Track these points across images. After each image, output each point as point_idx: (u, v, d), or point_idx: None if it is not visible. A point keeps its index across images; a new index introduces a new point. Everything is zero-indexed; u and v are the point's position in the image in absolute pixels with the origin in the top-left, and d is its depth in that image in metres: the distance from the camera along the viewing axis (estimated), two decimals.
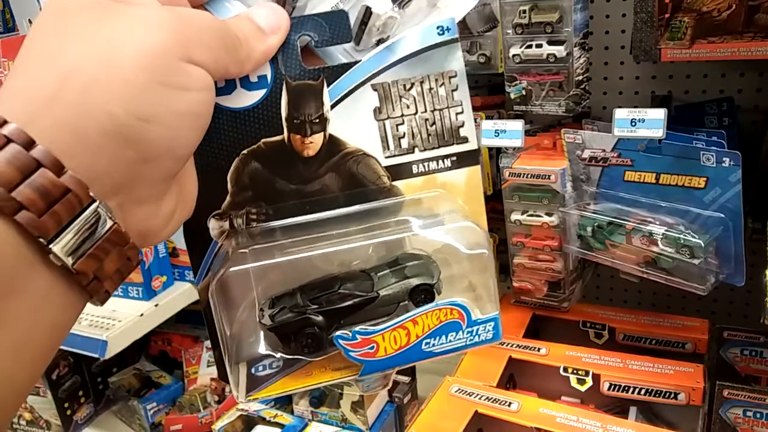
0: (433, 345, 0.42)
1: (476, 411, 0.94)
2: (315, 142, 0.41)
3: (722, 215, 0.74)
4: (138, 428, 1.40)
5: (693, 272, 0.76)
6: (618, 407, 0.98)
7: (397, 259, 0.44)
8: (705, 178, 0.75)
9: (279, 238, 0.42)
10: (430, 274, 0.44)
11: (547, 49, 0.82)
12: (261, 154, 0.41)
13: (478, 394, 0.97)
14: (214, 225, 0.42)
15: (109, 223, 0.31)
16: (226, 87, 0.39)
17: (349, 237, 0.42)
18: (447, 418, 0.93)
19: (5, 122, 0.28)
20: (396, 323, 0.41)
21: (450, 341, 0.43)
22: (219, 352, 0.42)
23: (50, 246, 0.28)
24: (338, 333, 0.41)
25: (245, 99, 0.40)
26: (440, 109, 0.43)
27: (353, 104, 0.41)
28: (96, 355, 1.12)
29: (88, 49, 0.30)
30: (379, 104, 0.42)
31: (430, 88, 0.42)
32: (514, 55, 0.87)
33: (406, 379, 1.25)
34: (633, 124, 0.72)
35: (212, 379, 1.36)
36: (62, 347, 1.18)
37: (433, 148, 0.43)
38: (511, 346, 1.07)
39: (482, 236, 0.43)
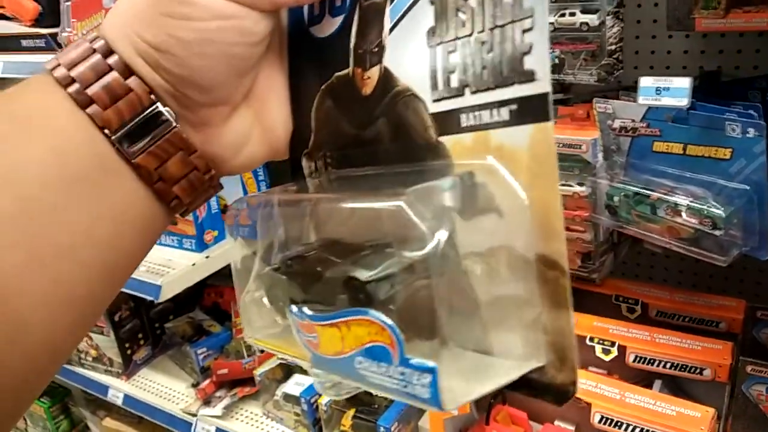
0: (366, 368, 0.29)
1: None
2: (372, 78, 0.34)
3: (747, 187, 0.73)
4: (189, 371, 1.51)
5: (715, 243, 0.76)
6: (643, 380, 0.99)
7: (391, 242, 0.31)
8: (730, 149, 0.74)
9: (331, 189, 0.37)
10: (373, 267, 0.31)
11: (580, 18, 0.83)
12: (333, 91, 0.36)
13: None
14: (305, 164, 0.39)
15: (169, 122, 0.33)
16: (318, 15, 0.36)
17: (352, 201, 0.33)
18: None
19: (97, 37, 0.33)
20: (331, 318, 0.31)
21: (381, 374, 0.28)
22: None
23: (113, 138, 0.32)
24: (292, 306, 0.33)
25: (330, 26, 0.35)
26: (501, 26, 0.29)
27: (409, 25, 0.32)
28: (151, 298, 1.22)
29: None
30: (434, 23, 0.31)
31: None
32: None
33: None
34: (658, 92, 0.72)
35: None
36: (123, 290, 1.29)
37: (488, 89, 0.29)
38: None
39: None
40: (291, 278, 0.35)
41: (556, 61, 0.87)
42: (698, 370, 0.93)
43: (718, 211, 0.74)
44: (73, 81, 0.32)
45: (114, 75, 0.32)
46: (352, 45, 0.34)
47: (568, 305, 0.28)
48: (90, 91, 0.32)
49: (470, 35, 0.30)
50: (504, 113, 0.29)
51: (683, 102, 0.71)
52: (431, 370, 0.27)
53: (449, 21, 0.30)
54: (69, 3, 1.29)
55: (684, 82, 0.70)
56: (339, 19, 0.35)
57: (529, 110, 0.28)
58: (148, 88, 0.33)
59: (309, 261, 0.35)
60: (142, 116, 0.33)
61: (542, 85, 0.27)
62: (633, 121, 0.83)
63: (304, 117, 0.37)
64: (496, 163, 0.29)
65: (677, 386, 0.98)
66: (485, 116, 0.29)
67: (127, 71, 0.33)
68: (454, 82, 0.31)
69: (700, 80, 1.04)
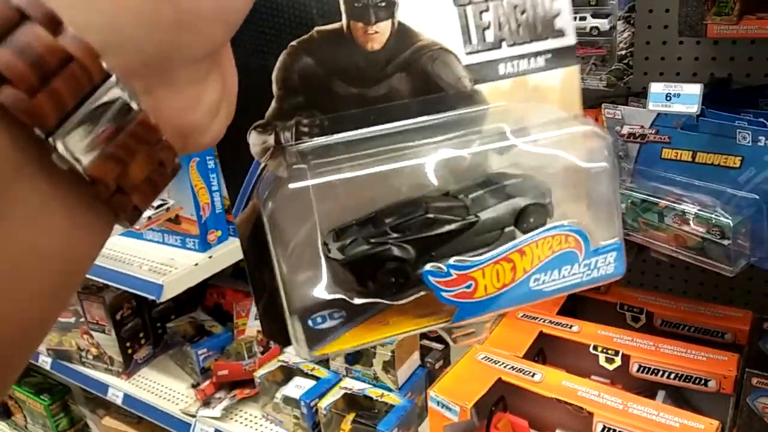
0: (544, 282, 0.34)
1: (500, 378, 0.96)
2: (380, 32, 0.33)
3: (756, 196, 0.72)
4: (189, 371, 1.50)
5: (723, 253, 0.75)
6: (647, 390, 0.98)
7: (489, 178, 0.36)
8: (740, 158, 0.73)
9: (336, 156, 0.34)
10: (540, 193, 0.35)
11: (591, 22, 0.82)
12: (314, 48, 0.33)
13: (503, 363, 0.99)
14: (255, 139, 0.33)
15: (133, 110, 0.22)
16: None
17: (427, 153, 0.34)
18: (470, 382, 0.96)
19: None
20: (499, 254, 0.33)
21: (564, 277, 0.35)
22: (263, 304, 0.35)
23: (50, 140, 0.20)
24: (427, 268, 0.33)
25: None
26: None
27: None
28: (153, 297, 1.22)
29: None
30: None
31: None
32: None
33: (439, 346, 1.28)
34: (668, 98, 0.71)
35: (259, 331, 1.44)
36: (125, 289, 1.29)
37: (524, 43, 0.35)
38: (544, 321, 1.09)
39: (602, 143, 0.35)
40: (408, 244, 0.34)
41: None
42: (703, 381, 0.92)
43: (727, 220, 0.73)
44: None
45: (33, 29, 0.19)
46: None
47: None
48: None
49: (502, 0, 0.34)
50: (540, 61, 0.36)
51: (693, 109, 0.70)
52: (616, 247, 0.35)
53: None
54: None
55: (694, 89, 0.69)
56: None
57: (561, 58, 0.36)
58: (94, 51, 0.20)
59: (420, 223, 0.34)
60: (93, 100, 0.21)
61: (570, 39, 0.36)
62: (642, 127, 0.82)
63: (248, 84, 0.31)
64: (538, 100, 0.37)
65: (681, 397, 0.96)
66: (523, 64, 0.36)
67: (53, 20, 0.19)
68: (490, 37, 0.35)
69: (710, 87, 1.03)
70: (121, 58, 0.21)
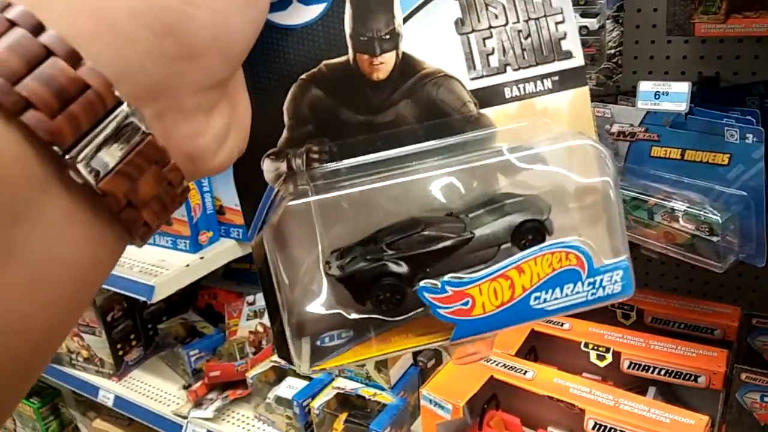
0: (545, 300, 0.34)
1: (492, 376, 0.96)
2: (386, 63, 0.35)
3: (744, 193, 0.73)
4: (181, 373, 1.50)
5: (712, 250, 0.76)
6: (638, 386, 0.99)
7: (492, 198, 0.36)
8: (728, 155, 0.74)
9: (342, 178, 0.35)
10: (538, 210, 0.36)
11: (580, 21, 0.83)
12: (322, 80, 0.35)
13: (495, 361, 0.99)
14: (269, 167, 0.35)
15: (142, 131, 0.24)
16: (280, 2, 0.34)
17: (429, 174, 0.35)
18: (462, 380, 0.96)
19: (9, 5, 0.22)
20: (496, 271, 0.33)
21: (566, 296, 0.34)
22: (279, 326, 0.35)
23: (67, 157, 0.23)
24: (423, 284, 0.33)
25: (303, 14, 0.34)
26: (536, 19, 0.35)
27: (430, 16, 0.35)
28: (144, 299, 1.21)
29: None
30: (461, 15, 0.35)
31: None
32: None
33: None
34: (657, 96, 0.72)
35: (250, 332, 1.43)
36: (116, 290, 1.28)
37: (530, 66, 0.36)
38: None
39: (602, 158, 0.35)
40: (406, 262, 0.35)
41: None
42: (693, 377, 0.92)
43: (715, 217, 0.74)
44: None
45: (57, 63, 0.22)
46: (348, 32, 0.34)
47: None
48: (23, 88, 0.22)
49: (506, 25, 0.35)
50: (548, 83, 0.36)
51: (682, 107, 0.70)
52: (622, 266, 0.34)
53: (479, 13, 0.35)
54: None
55: (683, 87, 0.70)
56: (318, 7, 0.34)
57: (569, 79, 0.36)
58: (108, 81, 0.23)
59: (419, 239, 0.35)
60: (107, 123, 0.24)
61: (578, 60, 0.36)
62: (631, 125, 0.83)
63: (261, 115, 0.34)
64: (545, 120, 0.36)
65: (672, 393, 0.97)
66: (529, 87, 0.36)
67: (74, 55, 0.23)
68: (495, 62, 0.36)
69: (698, 85, 1.04)
70: (131, 86, 0.24)
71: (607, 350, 0.99)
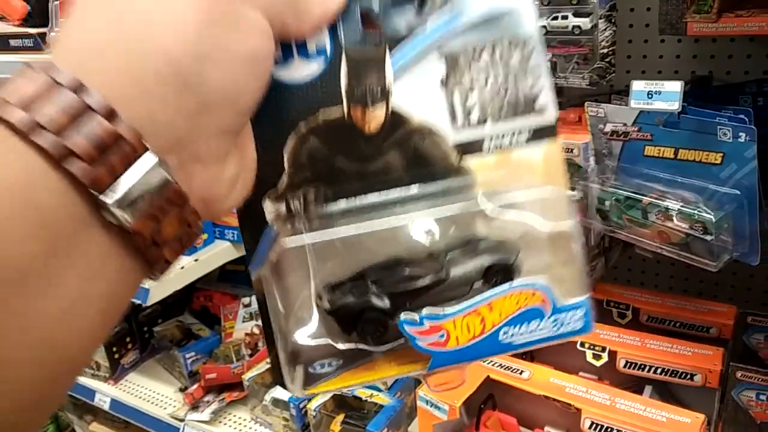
0: (512, 335, 0.37)
1: (488, 376, 0.96)
2: (377, 117, 0.38)
3: (737, 192, 0.73)
4: (178, 375, 1.50)
5: (706, 249, 0.76)
6: (634, 385, 0.99)
7: (468, 241, 0.40)
8: (721, 154, 0.74)
9: (338, 222, 0.38)
10: (507, 252, 0.39)
11: (573, 21, 0.83)
12: (320, 131, 0.38)
13: (491, 361, 0.99)
14: (269, 207, 0.38)
15: (167, 179, 0.28)
16: (282, 57, 0.36)
17: (412, 219, 0.38)
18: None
19: (53, 66, 0.27)
20: (468, 307, 0.36)
21: (532, 331, 0.37)
22: (275, 353, 0.39)
23: (103, 198, 0.26)
24: (404, 317, 0.36)
25: (303, 70, 0.37)
26: (514, 77, 0.38)
27: (417, 74, 0.38)
28: (139, 301, 1.21)
29: None
30: (446, 73, 0.38)
31: (502, 55, 0.38)
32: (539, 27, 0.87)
33: None
34: (650, 96, 0.72)
35: (246, 334, 1.43)
36: None
37: (507, 120, 0.38)
38: None
39: (564, 205, 0.38)
40: (388, 297, 0.38)
41: (548, 64, 0.87)
42: (689, 376, 0.93)
43: (709, 216, 0.74)
44: (37, 126, 0.25)
45: (97, 119, 0.26)
46: (344, 88, 0.38)
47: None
48: (68, 140, 0.25)
49: (486, 83, 0.38)
50: (522, 137, 0.38)
51: (675, 106, 0.70)
52: (583, 305, 0.37)
53: (463, 73, 0.38)
54: (57, 2, 1.28)
55: (675, 86, 0.70)
56: (319, 66, 0.37)
57: (541, 133, 0.38)
58: (139, 134, 0.27)
59: (401, 277, 0.39)
60: (137, 170, 0.27)
61: (551, 114, 0.38)
62: (624, 125, 0.83)
63: (264, 159, 0.38)
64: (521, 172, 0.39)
65: (668, 392, 0.98)
66: (506, 140, 0.38)
67: (111, 112, 0.27)
68: (475, 117, 0.38)
69: (691, 85, 1.04)
70: (158, 137, 0.28)
71: (603, 349, 1.00)
